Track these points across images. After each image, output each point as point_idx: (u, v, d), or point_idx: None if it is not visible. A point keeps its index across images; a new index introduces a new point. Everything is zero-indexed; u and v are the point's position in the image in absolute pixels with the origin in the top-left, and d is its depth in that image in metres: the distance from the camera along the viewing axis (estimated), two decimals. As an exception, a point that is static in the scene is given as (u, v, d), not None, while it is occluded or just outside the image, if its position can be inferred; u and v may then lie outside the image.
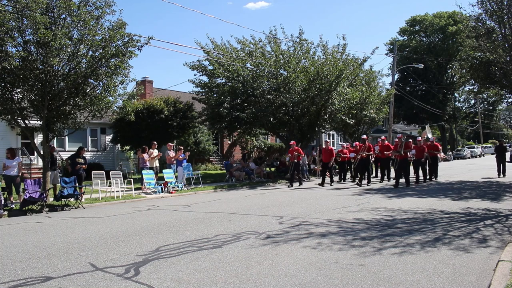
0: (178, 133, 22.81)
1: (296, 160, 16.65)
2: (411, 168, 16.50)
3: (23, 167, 12.63)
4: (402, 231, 6.82)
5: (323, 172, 17.00)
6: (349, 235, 6.62)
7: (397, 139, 16.46)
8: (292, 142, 17.48)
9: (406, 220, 7.85)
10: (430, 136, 22.74)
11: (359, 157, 16.44)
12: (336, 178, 18.56)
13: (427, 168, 17.36)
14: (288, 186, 16.29)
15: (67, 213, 10.46)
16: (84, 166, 12.95)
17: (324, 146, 17.46)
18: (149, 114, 21.62)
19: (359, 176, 16.41)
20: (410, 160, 16.00)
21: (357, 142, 19.17)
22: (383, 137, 17.04)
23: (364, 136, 16.98)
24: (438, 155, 18.07)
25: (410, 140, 17.28)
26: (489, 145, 62.16)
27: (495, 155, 19.76)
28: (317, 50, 21.28)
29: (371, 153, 16.67)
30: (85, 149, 22.97)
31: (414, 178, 15.86)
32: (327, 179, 16.67)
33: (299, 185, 16.59)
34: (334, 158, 17.20)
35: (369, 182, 16.29)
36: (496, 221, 7.75)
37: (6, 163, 11.22)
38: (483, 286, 4.24)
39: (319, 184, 16.33)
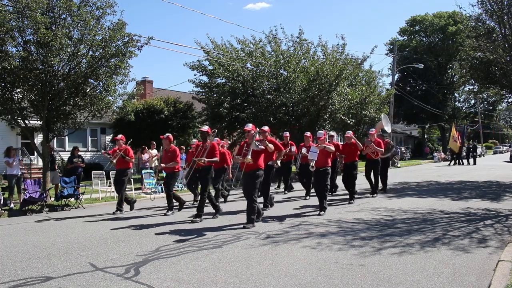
0: (178, 133, 22.79)
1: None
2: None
3: (22, 167, 12.65)
4: (401, 231, 6.82)
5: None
6: (349, 235, 6.62)
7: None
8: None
9: (406, 220, 7.85)
10: (388, 129, 14.10)
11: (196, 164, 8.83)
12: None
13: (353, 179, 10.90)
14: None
15: (67, 213, 10.46)
16: (82, 164, 13.13)
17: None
18: (149, 114, 21.60)
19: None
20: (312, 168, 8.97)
21: (196, 141, 11.58)
22: (264, 128, 8.42)
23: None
24: (375, 156, 11.61)
25: (287, 134, 12.78)
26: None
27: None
28: (317, 50, 21.32)
29: (215, 159, 8.62)
30: (85, 148, 23.31)
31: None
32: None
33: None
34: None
35: (199, 210, 8.49)
36: (496, 221, 7.75)
37: (9, 160, 11.21)
38: (483, 286, 4.24)
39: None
